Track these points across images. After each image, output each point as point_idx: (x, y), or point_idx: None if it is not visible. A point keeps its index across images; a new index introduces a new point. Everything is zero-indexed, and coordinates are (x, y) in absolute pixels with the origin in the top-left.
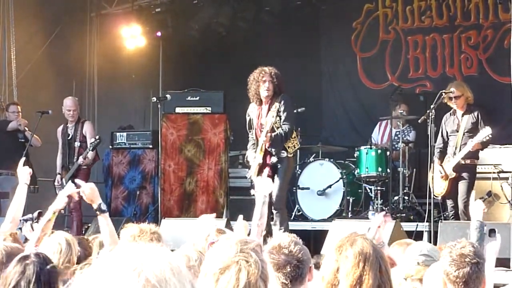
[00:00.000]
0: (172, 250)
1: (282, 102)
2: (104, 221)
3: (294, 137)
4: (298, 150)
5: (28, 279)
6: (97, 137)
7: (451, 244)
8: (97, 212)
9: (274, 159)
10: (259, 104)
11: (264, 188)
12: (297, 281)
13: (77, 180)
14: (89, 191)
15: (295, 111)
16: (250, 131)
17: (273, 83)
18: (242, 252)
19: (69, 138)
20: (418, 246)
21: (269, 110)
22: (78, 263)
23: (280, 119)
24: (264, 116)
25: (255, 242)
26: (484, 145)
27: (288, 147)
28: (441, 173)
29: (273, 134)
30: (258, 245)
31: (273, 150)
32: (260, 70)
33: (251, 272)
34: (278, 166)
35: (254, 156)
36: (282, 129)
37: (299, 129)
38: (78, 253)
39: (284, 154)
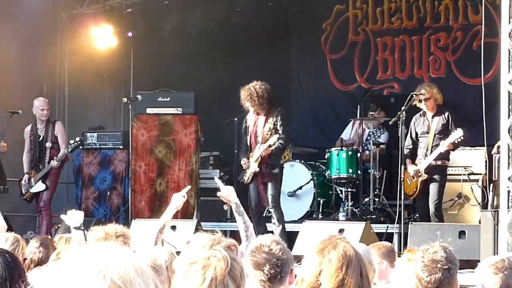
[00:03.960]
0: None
1: (279, 118)
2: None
3: (286, 149)
4: None
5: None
6: (77, 138)
7: (423, 248)
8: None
9: (275, 170)
10: (255, 114)
11: (230, 196)
12: (276, 279)
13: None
14: (226, 193)
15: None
16: (244, 137)
17: (258, 104)
18: (212, 249)
19: (40, 139)
20: None
21: (266, 122)
22: (40, 263)
23: (276, 131)
24: (260, 126)
25: (229, 241)
26: (455, 146)
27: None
28: (414, 169)
29: (273, 147)
30: (232, 244)
31: (273, 161)
32: (245, 91)
33: (219, 268)
34: (271, 174)
35: (245, 162)
36: (280, 143)
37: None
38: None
39: (277, 170)
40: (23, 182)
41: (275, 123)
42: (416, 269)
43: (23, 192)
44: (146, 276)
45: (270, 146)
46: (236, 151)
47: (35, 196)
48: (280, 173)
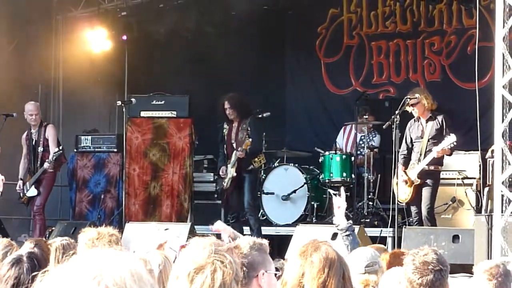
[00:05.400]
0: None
1: (251, 125)
2: None
3: (261, 154)
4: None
5: (22, 283)
6: (60, 147)
7: (414, 252)
8: None
9: (244, 172)
10: (230, 123)
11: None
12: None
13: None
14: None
15: (260, 115)
16: (221, 145)
17: (234, 109)
18: (216, 253)
19: (34, 143)
20: (360, 254)
21: (239, 128)
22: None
23: (249, 136)
24: (234, 133)
25: (228, 245)
26: (451, 151)
27: (255, 161)
28: (403, 177)
29: (247, 149)
30: (230, 248)
31: (245, 163)
32: (223, 99)
33: (227, 273)
34: (246, 178)
35: (225, 169)
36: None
37: (264, 147)
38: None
39: (251, 167)
40: (17, 188)
41: (248, 129)
42: (407, 272)
43: (21, 196)
44: (143, 283)
45: (243, 149)
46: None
47: (31, 199)
48: (254, 176)
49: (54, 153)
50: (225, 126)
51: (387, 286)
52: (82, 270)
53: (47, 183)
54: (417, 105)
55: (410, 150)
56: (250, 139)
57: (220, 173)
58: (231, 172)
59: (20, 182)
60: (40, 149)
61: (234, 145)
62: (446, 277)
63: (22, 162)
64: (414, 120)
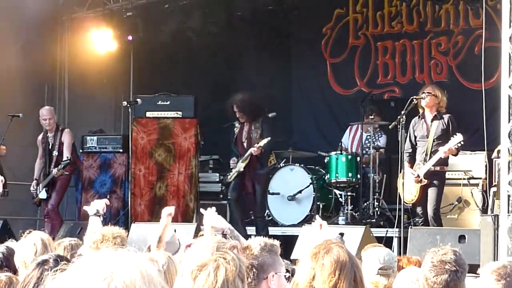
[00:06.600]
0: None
1: (263, 125)
2: None
3: (272, 154)
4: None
5: (44, 283)
6: (68, 157)
7: (434, 250)
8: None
9: (263, 171)
10: (242, 122)
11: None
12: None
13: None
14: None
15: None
16: (234, 145)
17: (243, 112)
18: (219, 251)
19: (50, 147)
20: (375, 254)
21: (251, 129)
22: None
23: (262, 136)
24: (245, 133)
25: (232, 243)
26: (457, 151)
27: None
28: (413, 175)
29: (263, 147)
30: (234, 246)
31: (262, 161)
32: (231, 101)
33: (229, 270)
34: (258, 181)
35: (236, 162)
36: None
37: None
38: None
39: (265, 170)
40: (31, 188)
41: (261, 128)
42: (424, 269)
43: (34, 196)
44: (154, 284)
45: (261, 146)
46: None
47: (42, 201)
48: (265, 178)
49: (63, 161)
50: (237, 125)
51: (401, 285)
52: (92, 271)
53: (61, 185)
54: (431, 96)
55: (414, 148)
56: (269, 138)
57: (231, 161)
58: (240, 166)
59: (34, 183)
60: (55, 153)
61: (245, 144)
62: (462, 279)
63: (37, 162)
64: (419, 117)
